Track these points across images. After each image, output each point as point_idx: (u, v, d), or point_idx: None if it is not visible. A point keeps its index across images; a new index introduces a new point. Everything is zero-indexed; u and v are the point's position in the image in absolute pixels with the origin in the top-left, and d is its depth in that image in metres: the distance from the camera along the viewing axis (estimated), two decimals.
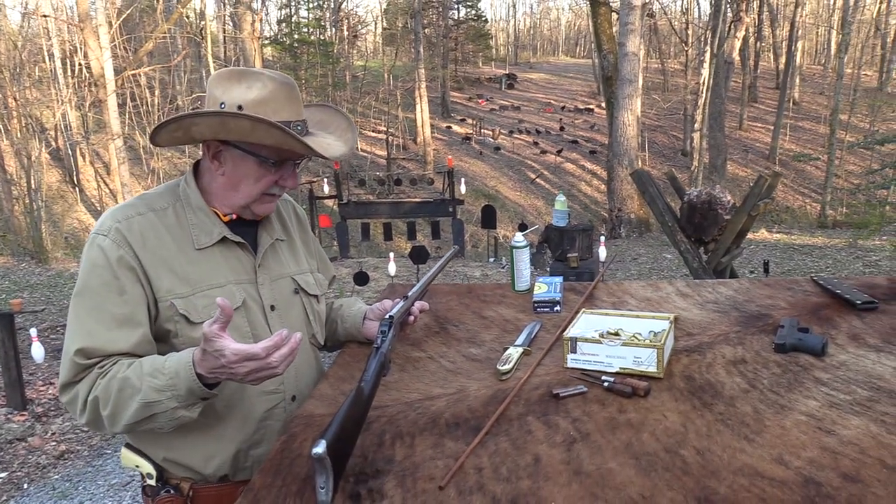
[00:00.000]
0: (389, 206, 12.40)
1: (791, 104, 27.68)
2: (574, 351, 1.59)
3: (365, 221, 12.18)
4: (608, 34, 16.02)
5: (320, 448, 1.12)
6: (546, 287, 1.99)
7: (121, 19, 19.25)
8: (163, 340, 1.49)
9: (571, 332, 1.64)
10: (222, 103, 1.47)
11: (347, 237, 11.88)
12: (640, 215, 15.50)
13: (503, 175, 24.82)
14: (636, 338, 1.61)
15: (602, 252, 8.02)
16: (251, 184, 1.53)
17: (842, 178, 21.56)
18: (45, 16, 20.36)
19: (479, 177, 24.06)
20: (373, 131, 27.89)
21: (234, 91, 1.47)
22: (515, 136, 28.29)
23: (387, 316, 1.53)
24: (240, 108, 1.45)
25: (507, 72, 39.67)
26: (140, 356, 1.44)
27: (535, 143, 27.25)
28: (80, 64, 21.25)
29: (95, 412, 1.39)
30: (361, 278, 8.07)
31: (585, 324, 1.72)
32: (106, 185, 20.32)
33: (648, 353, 1.52)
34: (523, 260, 2.06)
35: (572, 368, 1.59)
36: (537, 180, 24.36)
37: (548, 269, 6.30)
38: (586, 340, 1.58)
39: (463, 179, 14.61)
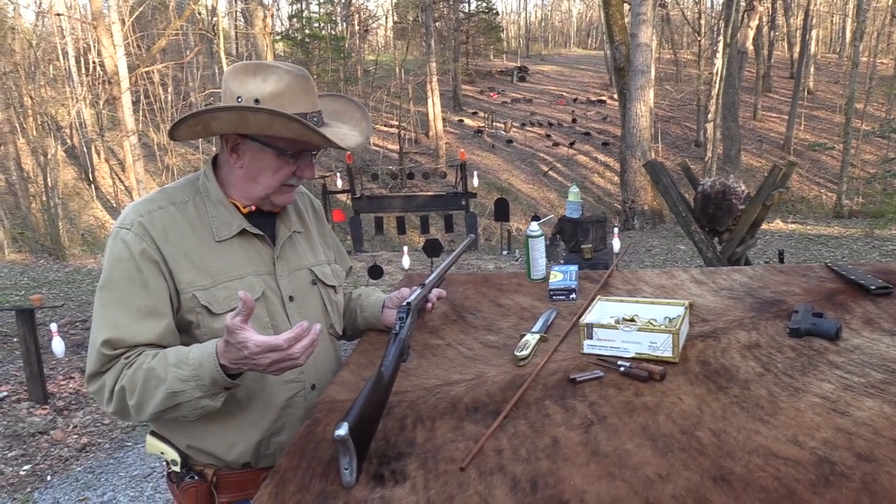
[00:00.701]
0: (402, 200, 12.44)
1: (806, 93, 27.48)
2: (590, 337, 1.61)
3: (378, 215, 12.22)
4: (620, 25, 15.96)
5: (343, 430, 1.15)
6: (561, 275, 2.01)
7: (133, 17, 19.37)
8: (185, 331, 1.53)
9: (588, 318, 1.66)
10: (239, 97, 1.49)
11: (361, 231, 11.94)
12: (654, 206, 15.46)
13: (515, 168, 24.80)
14: (651, 323, 1.64)
15: (616, 243, 8.01)
16: (270, 175, 1.55)
17: (858, 167, 21.39)
18: (58, 14, 20.53)
19: (491, 170, 24.06)
20: (385, 125, 27.92)
21: (249, 84, 1.49)
22: (527, 128, 28.25)
23: (404, 303, 1.56)
24: (257, 101, 1.47)
25: (519, 64, 39.57)
26: (164, 347, 1.47)
27: (548, 136, 27.19)
28: (93, 62, 21.42)
29: (122, 401, 1.43)
30: (376, 272, 8.12)
31: (601, 310, 1.74)
32: (121, 181, 20.49)
33: (664, 339, 1.54)
34: (538, 248, 2.08)
35: (589, 354, 1.62)
36: (550, 173, 24.33)
37: (561, 261, 6.32)
38: (602, 326, 1.61)
39: (475, 172, 14.63)
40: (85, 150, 20.43)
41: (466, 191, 11.97)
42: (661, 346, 1.55)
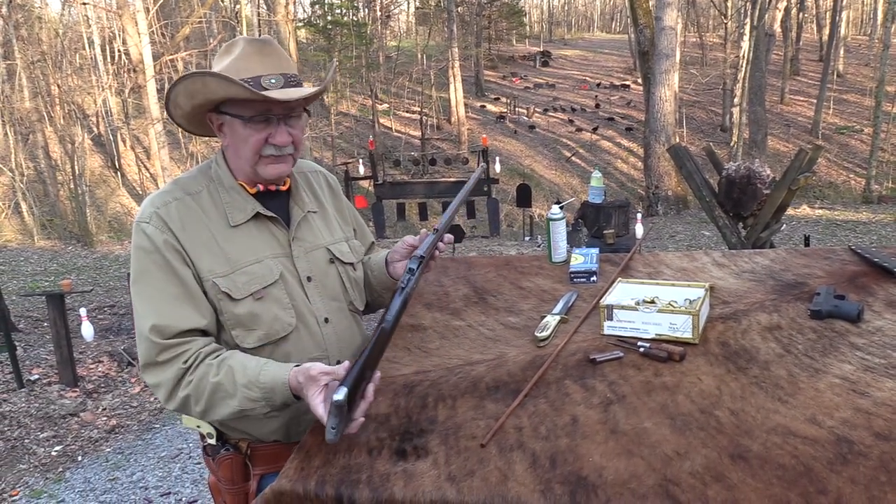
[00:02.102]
0: (424, 186, 12.45)
1: (835, 76, 26.94)
2: (610, 318, 1.63)
3: (400, 201, 12.26)
4: (644, 8, 15.77)
5: (341, 395, 1.20)
6: (582, 258, 2.03)
7: (157, 5, 19.49)
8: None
9: (608, 299, 1.68)
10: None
11: (383, 217, 11.98)
12: (678, 192, 15.33)
13: (538, 154, 24.68)
14: (672, 305, 1.64)
15: (639, 229, 7.98)
16: (244, 146, 1.55)
17: (888, 151, 21.00)
18: (84, 3, 20.71)
19: (513, 156, 23.96)
20: (407, 111, 27.90)
21: (223, 61, 1.54)
22: (550, 114, 28.05)
23: (417, 254, 1.57)
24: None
25: (542, 49, 39.24)
26: (211, 334, 1.54)
27: (571, 121, 27.00)
28: (119, 50, 21.62)
29: (186, 405, 1.48)
30: None
31: (622, 292, 1.75)
32: (146, 169, 20.72)
33: (684, 320, 1.55)
34: (560, 231, 2.10)
35: (609, 335, 1.63)
36: (573, 158, 24.18)
37: (583, 246, 6.29)
38: (623, 308, 1.62)
39: (497, 158, 14.59)
40: (111, 138, 20.67)
41: (489, 177, 11.93)
42: (681, 327, 1.56)
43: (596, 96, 29.85)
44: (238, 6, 23.29)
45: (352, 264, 1.77)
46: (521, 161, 23.81)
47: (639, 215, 9.80)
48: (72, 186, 16.93)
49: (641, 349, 1.53)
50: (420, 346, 1.68)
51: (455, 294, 1.97)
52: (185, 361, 1.47)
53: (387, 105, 27.84)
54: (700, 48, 32.77)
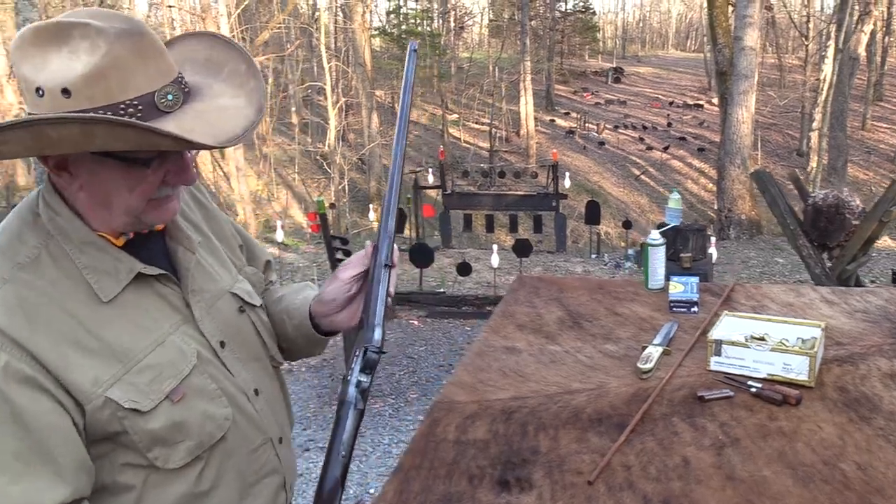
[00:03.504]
0: (492, 198, 12.40)
1: None
2: (718, 354, 1.55)
3: (467, 212, 12.22)
4: (724, 27, 15.41)
5: None
6: (682, 287, 1.95)
7: (240, 9, 20.03)
8: (112, 440, 1.02)
9: (715, 333, 1.60)
10: (39, 89, 0.93)
11: (450, 227, 11.98)
12: (752, 216, 14.88)
13: (606, 170, 24.39)
14: (783, 343, 1.56)
15: (714, 253, 7.74)
16: (126, 195, 1.01)
17: None
18: (170, 6, 21.47)
19: (581, 171, 23.73)
20: (476, 123, 27.95)
21: (52, 63, 0.92)
22: (620, 131, 27.71)
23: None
24: (65, 92, 0.92)
25: (614, 65, 38.87)
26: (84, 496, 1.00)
27: (641, 139, 26.60)
28: None
29: None
30: (464, 269, 8.13)
31: (728, 326, 1.67)
32: (220, 168, 21.27)
33: (800, 361, 1.47)
34: (658, 258, 2.02)
35: (716, 371, 1.56)
36: (642, 177, 23.81)
37: None
38: (732, 343, 1.54)
39: (567, 174, 14.45)
40: None
41: (557, 192, 11.82)
42: (797, 368, 1.47)
43: (668, 115, 29.38)
44: (317, 13, 23.79)
45: (261, 306, 1.30)
46: (588, 177, 23.57)
47: (712, 238, 9.53)
48: None
49: (753, 389, 1.45)
50: (516, 369, 1.63)
51: (548, 317, 1.92)
52: None
53: (456, 115, 27.97)
54: (778, 70, 31.94)
